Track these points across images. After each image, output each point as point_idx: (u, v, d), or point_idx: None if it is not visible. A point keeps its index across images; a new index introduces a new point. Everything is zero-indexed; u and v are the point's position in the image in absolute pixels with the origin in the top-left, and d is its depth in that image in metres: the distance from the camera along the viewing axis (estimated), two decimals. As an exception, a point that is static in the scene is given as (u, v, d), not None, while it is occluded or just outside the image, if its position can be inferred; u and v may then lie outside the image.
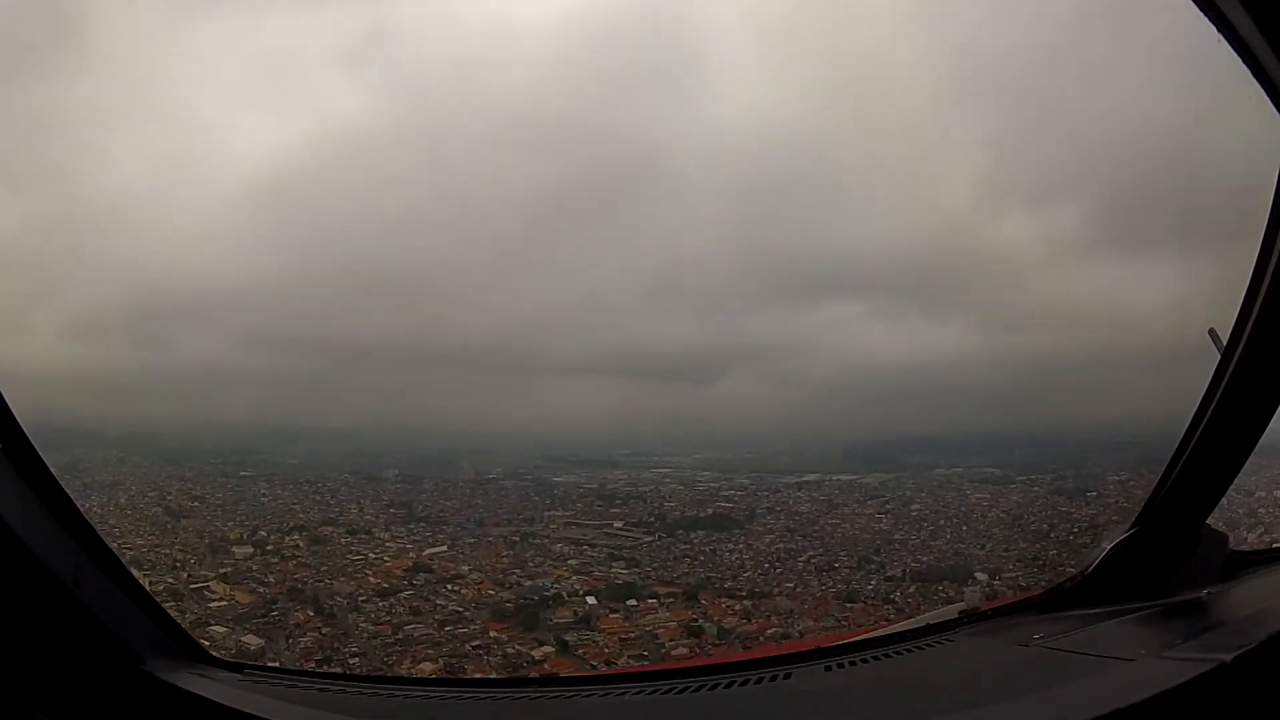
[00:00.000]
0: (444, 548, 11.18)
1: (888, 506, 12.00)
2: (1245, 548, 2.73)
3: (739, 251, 16.67)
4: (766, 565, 11.29)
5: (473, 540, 11.37)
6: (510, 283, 15.28)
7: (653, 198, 17.63)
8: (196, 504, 11.24)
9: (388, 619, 10.04)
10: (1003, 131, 16.11)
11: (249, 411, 13.62)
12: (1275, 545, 3.16)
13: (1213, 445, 2.31)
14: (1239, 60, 1.87)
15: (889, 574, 10.99)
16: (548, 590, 10.71)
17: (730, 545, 11.58)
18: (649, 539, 11.65)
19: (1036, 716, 1.51)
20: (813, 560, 11.22)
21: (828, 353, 15.72)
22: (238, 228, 15.13)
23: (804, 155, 16.72)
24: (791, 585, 10.91)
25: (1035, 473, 11.84)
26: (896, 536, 11.54)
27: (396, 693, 2.30)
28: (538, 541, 11.49)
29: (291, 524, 11.16)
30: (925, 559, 11.13)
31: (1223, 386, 2.23)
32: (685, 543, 11.60)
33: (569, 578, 10.89)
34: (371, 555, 10.95)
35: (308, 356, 15.11)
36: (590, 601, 10.54)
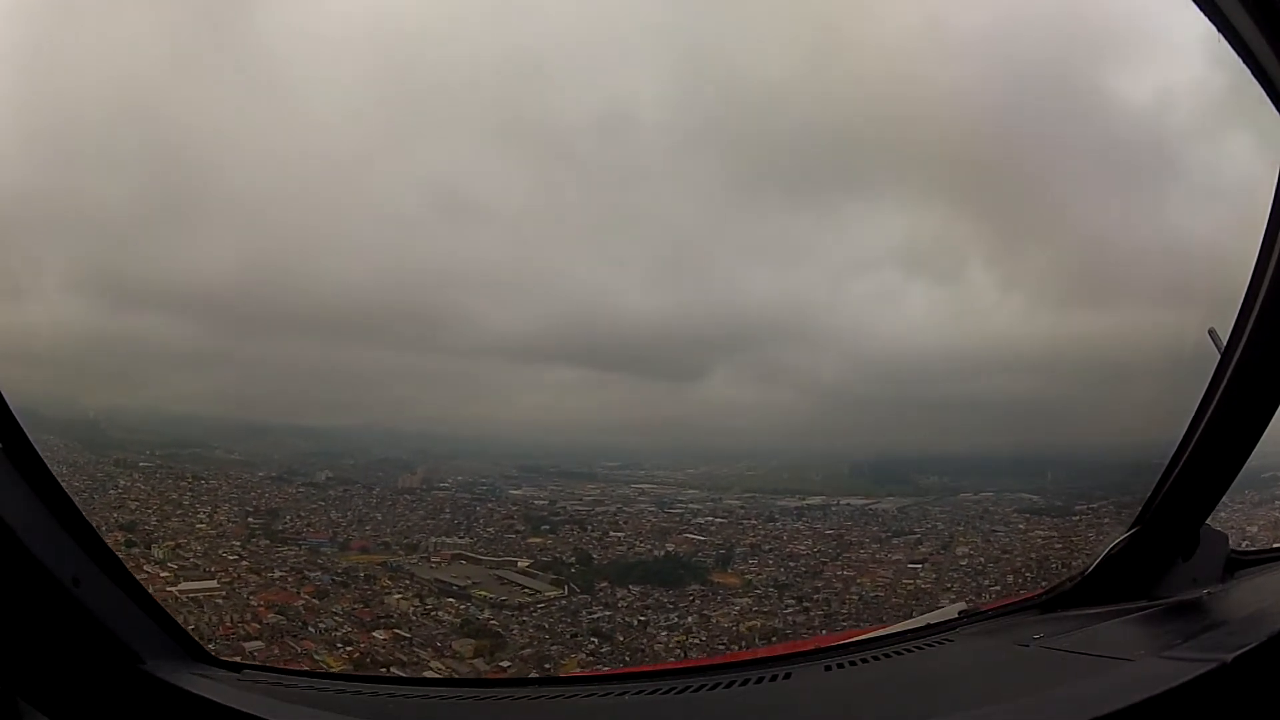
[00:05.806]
0: (214, 583, 8.02)
1: (922, 549, 8.64)
2: (1245, 548, 2.74)
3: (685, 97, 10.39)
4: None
5: (281, 574, 8.19)
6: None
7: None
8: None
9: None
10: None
11: (228, 406, 10.92)
12: (1275, 545, 3.17)
13: (1213, 445, 2.31)
14: (1239, 60, 1.87)
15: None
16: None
17: (674, 616, 7.55)
18: (553, 594, 7.94)
19: (1036, 716, 1.51)
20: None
21: (832, 341, 12.01)
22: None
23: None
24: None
25: (1085, 500, 8.85)
26: (947, 604, 7.95)
27: (396, 693, 2.30)
28: (385, 584, 8.16)
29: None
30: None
31: (1223, 386, 2.23)
32: (605, 604, 7.73)
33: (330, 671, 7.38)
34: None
35: (292, 347, 11.58)
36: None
